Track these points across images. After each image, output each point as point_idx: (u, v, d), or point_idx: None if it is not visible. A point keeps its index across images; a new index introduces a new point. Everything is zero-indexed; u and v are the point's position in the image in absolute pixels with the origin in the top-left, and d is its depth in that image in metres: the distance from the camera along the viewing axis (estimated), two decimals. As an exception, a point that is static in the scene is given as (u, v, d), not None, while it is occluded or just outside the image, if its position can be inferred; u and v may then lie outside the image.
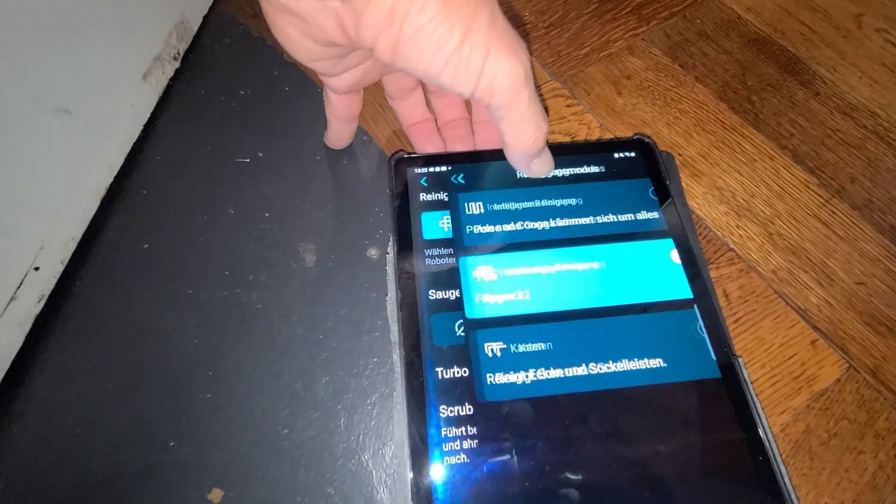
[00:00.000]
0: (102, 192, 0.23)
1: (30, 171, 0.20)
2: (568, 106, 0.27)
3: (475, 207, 0.22)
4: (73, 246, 0.22)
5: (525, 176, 0.22)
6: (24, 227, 0.20)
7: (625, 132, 0.26)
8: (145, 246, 0.23)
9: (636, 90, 0.28)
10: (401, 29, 0.15)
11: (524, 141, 0.18)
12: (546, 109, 0.27)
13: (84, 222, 0.22)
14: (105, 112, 0.23)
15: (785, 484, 0.17)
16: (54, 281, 0.21)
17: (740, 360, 0.19)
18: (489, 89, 0.16)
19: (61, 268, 0.22)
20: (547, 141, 0.20)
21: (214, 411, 0.19)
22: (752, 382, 0.19)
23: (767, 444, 0.17)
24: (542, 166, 0.21)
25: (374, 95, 0.27)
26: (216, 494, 0.18)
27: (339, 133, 0.24)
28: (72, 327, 0.21)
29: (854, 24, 0.30)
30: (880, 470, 0.19)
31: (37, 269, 0.20)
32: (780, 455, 0.18)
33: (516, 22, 0.30)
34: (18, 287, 0.20)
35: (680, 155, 0.26)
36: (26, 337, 0.20)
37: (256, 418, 0.19)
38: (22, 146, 0.19)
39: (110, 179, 0.24)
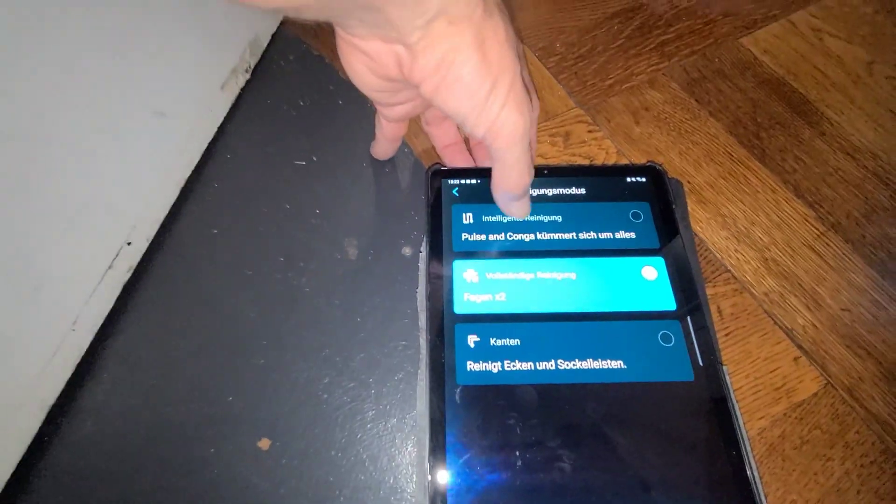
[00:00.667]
0: (182, 183, 0.27)
1: (133, 162, 0.24)
2: (589, 132, 0.30)
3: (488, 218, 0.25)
4: (156, 227, 0.26)
5: (534, 194, 0.26)
6: (124, 208, 0.24)
7: (639, 158, 0.29)
8: (214, 231, 0.27)
9: (653, 121, 0.30)
10: (445, 76, 0.18)
11: (509, 182, 0.22)
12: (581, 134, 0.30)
13: (166, 207, 0.27)
14: (190, 116, 0.27)
15: (754, 477, 0.19)
16: (140, 255, 0.25)
17: (725, 368, 0.22)
18: (496, 134, 0.20)
19: (146, 245, 0.26)
20: (528, 192, 0.24)
21: (266, 374, 0.23)
22: (733, 389, 0.22)
23: (741, 441, 0.20)
24: (519, 210, 0.24)
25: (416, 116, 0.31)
26: (265, 443, 0.22)
27: (384, 149, 0.28)
28: (152, 296, 0.25)
29: (865, 70, 0.32)
30: (846, 476, 0.21)
31: (129, 243, 0.24)
32: (753, 453, 0.20)
33: (548, 52, 0.33)
34: (115, 257, 0.24)
35: (689, 182, 0.28)
36: (115, 302, 0.24)
37: (301, 383, 0.23)
38: (129, 140, 0.23)
39: (188, 173, 0.28)
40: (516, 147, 0.20)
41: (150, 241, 0.26)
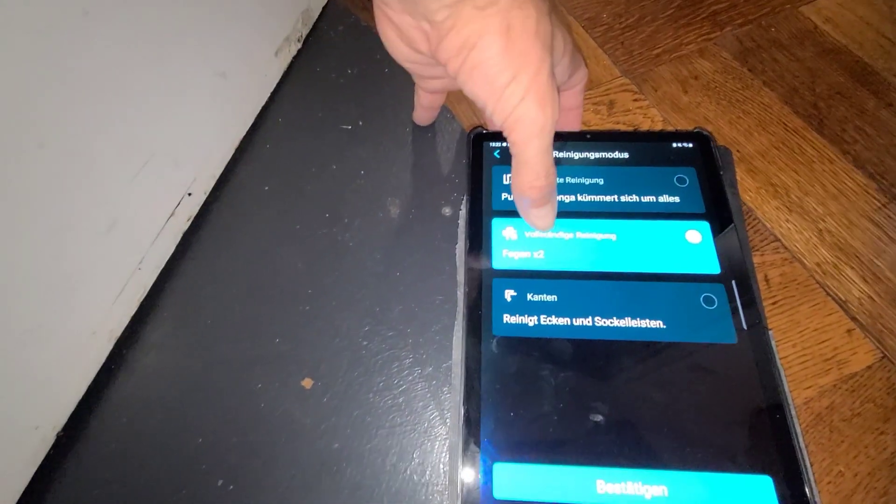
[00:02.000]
0: (237, 142, 0.29)
1: (196, 118, 0.26)
2: (634, 100, 0.30)
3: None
4: (213, 182, 0.28)
5: (576, 157, 0.26)
6: (187, 161, 0.26)
7: (686, 127, 0.29)
8: (266, 188, 0.28)
9: (702, 90, 0.30)
10: (466, 59, 0.18)
11: (520, 182, 0.21)
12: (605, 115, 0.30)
13: (223, 164, 0.28)
14: (247, 79, 0.29)
15: (799, 443, 0.19)
16: (198, 207, 0.27)
17: (770, 332, 0.21)
18: (512, 127, 0.19)
19: (204, 197, 0.27)
20: (550, 202, 0.22)
21: (311, 320, 0.24)
22: (778, 354, 0.21)
23: (785, 405, 0.19)
24: (538, 219, 0.22)
25: (459, 80, 0.31)
26: (308, 382, 0.23)
27: (422, 116, 0.29)
28: (209, 244, 0.27)
29: (940, 38, 0.30)
30: (901, 451, 0.20)
31: (189, 194, 0.26)
32: (797, 418, 0.20)
33: (594, 22, 0.33)
34: (177, 206, 0.26)
35: (738, 152, 0.28)
36: (176, 247, 0.26)
37: (342, 330, 0.24)
38: (194, 97, 0.25)
39: (243, 133, 0.29)
40: (532, 143, 0.19)
41: (207, 193, 0.27)
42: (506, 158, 0.26)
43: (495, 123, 0.20)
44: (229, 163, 0.29)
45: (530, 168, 0.20)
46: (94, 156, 0.21)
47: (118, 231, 0.23)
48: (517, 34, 0.18)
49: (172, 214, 0.26)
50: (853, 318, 0.23)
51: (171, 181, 0.25)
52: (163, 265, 0.26)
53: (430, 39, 0.19)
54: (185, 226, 0.27)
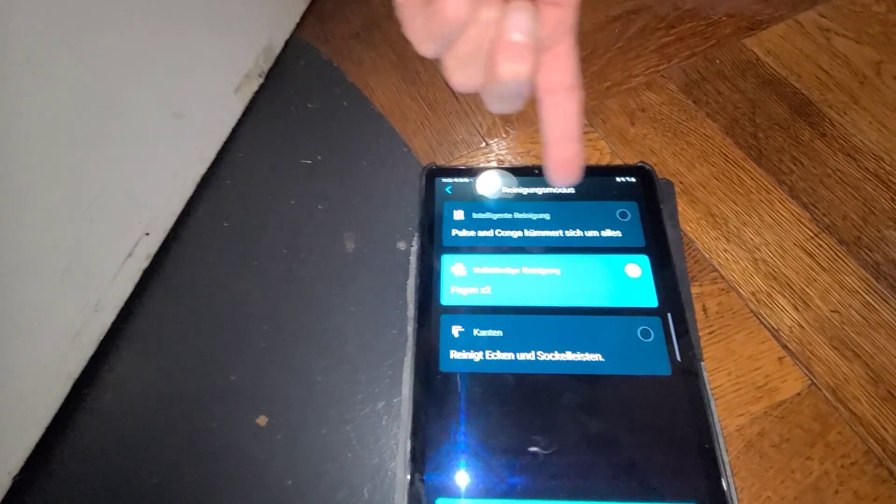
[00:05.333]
0: (197, 179, 0.30)
1: (153, 158, 0.26)
2: (584, 133, 0.31)
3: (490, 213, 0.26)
4: (173, 219, 0.28)
5: (525, 192, 0.27)
6: (145, 200, 0.26)
7: (633, 159, 0.30)
8: (226, 224, 0.29)
9: (649, 122, 0.31)
10: None
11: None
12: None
13: (183, 202, 0.29)
14: (206, 117, 0.29)
15: (725, 471, 0.20)
16: (158, 245, 0.28)
17: (703, 364, 0.22)
18: None
19: (164, 235, 0.28)
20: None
21: (267, 356, 0.25)
22: (712, 386, 0.22)
23: (714, 435, 0.20)
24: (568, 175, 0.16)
25: (415, 113, 0.32)
26: (262, 419, 0.23)
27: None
28: (168, 282, 0.27)
29: (873, 70, 0.31)
30: (825, 475, 0.21)
31: (148, 234, 0.27)
32: (726, 448, 0.21)
33: (548, 55, 0.34)
34: (135, 246, 0.26)
35: (681, 182, 0.29)
36: (135, 287, 0.27)
37: (298, 365, 0.24)
38: (150, 139, 0.26)
39: (204, 170, 0.30)
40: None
41: (167, 232, 0.28)
42: (457, 195, 0.27)
43: None
44: (190, 199, 0.29)
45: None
46: (47, 205, 0.21)
47: (74, 275, 0.23)
48: None
49: (130, 254, 0.26)
50: (784, 346, 0.24)
51: (128, 222, 0.26)
52: (121, 304, 0.26)
53: None
54: (145, 264, 0.27)
